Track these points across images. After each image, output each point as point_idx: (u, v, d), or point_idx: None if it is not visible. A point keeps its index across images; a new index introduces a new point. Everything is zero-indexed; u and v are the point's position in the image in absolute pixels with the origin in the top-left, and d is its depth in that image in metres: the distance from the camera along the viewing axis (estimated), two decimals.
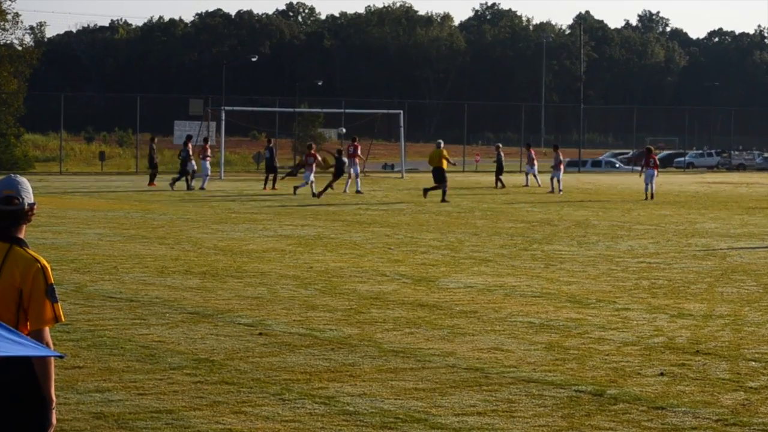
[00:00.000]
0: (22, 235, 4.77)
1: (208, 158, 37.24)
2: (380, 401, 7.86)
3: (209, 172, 37.32)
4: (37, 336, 4.67)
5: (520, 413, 7.59)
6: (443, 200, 30.12)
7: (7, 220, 4.72)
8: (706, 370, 9.01)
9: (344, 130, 38.29)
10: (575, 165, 62.42)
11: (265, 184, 37.15)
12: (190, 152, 36.59)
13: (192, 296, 12.67)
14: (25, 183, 4.80)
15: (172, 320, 11.08)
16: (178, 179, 36.17)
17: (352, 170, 35.22)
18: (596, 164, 65.36)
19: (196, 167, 36.79)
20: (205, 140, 38.32)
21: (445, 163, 31.09)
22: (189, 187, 35.63)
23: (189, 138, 38.01)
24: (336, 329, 10.68)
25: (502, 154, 42.06)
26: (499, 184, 39.44)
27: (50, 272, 4.74)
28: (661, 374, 8.84)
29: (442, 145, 32.63)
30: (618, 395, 8.11)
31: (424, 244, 19.05)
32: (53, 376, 4.70)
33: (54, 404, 4.72)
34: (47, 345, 4.69)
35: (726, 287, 14.02)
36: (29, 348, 3.95)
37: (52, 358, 4.68)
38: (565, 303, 12.52)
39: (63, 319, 4.81)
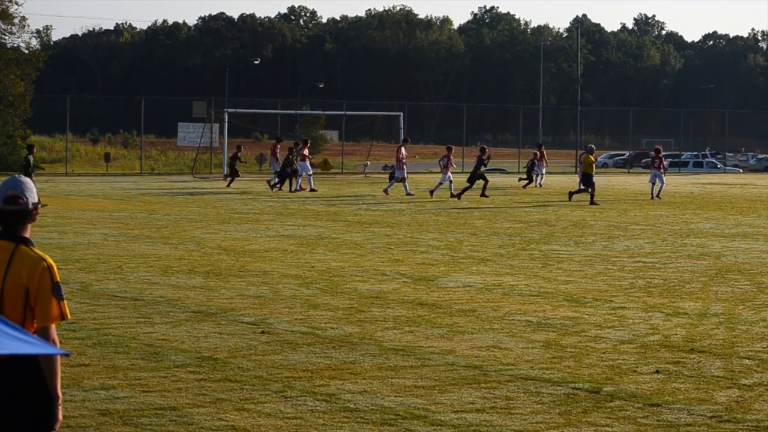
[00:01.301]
0: (27, 234, 4.83)
1: (307, 158, 37.46)
2: (380, 398, 7.96)
3: (310, 172, 37.41)
4: (44, 333, 4.73)
5: (518, 410, 7.68)
6: (592, 203, 30.29)
7: (11, 220, 4.78)
8: (701, 368, 9.12)
9: (409, 140, 37.91)
10: (677, 166, 61.78)
11: (290, 186, 36.99)
12: (293, 156, 36.95)
13: (195, 295, 12.79)
14: (29, 183, 4.87)
15: (176, 319, 11.20)
16: (282, 183, 36.36)
17: (398, 174, 34.84)
18: (698, 165, 64.90)
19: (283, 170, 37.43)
20: (305, 142, 38.45)
21: (593, 169, 31.50)
22: (291, 189, 35.86)
23: (297, 143, 38.36)
24: (337, 328, 10.80)
25: (536, 161, 42.02)
26: (528, 183, 39.29)
27: (56, 271, 4.81)
28: (657, 372, 8.94)
29: (594, 150, 32.81)
30: (614, 392, 8.21)
31: (424, 244, 19.16)
32: (59, 373, 4.75)
33: (60, 401, 4.76)
34: (53, 342, 4.75)
35: (720, 286, 14.14)
36: (36, 346, 4.00)
37: (58, 356, 4.74)
38: (563, 302, 12.64)
39: (69, 317, 4.87)
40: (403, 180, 34.49)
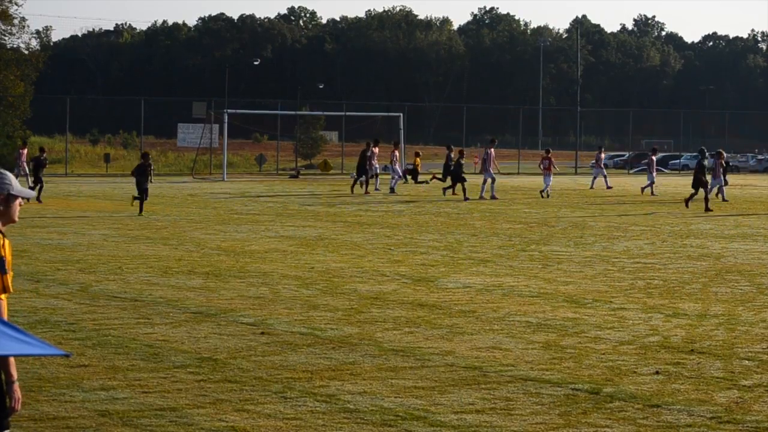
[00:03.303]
0: None
1: (396, 162, 37.52)
2: (380, 399, 7.96)
3: (399, 174, 37.42)
4: None
5: (517, 411, 7.68)
6: None
7: None
8: (701, 369, 9.12)
9: (496, 141, 37.44)
10: None
11: (366, 187, 36.48)
12: (370, 157, 36.95)
13: (195, 296, 12.80)
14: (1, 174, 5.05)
15: (176, 319, 11.21)
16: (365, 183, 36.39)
17: (485, 175, 34.21)
18: None
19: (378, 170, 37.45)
20: (395, 145, 38.60)
21: None
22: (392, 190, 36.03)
23: (395, 145, 38.42)
24: (337, 328, 10.81)
25: (725, 155, 38.79)
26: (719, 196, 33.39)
27: (1, 247, 4.98)
28: (657, 373, 8.94)
29: None
30: (614, 393, 8.22)
31: (424, 245, 19.17)
32: (11, 358, 4.86)
33: (14, 378, 4.90)
34: (1, 315, 4.91)
35: (720, 287, 14.14)
36: (35, 346, 4.04)
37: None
38: (562, 303, 12.65)
39: (11, 290, 5.05)
40: (487, 181, 33.83)
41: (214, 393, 8.07)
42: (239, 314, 11.55)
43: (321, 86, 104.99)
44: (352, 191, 35.96)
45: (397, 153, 37.75)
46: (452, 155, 37.76)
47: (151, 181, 26.65)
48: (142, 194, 25.53)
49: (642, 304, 12.57)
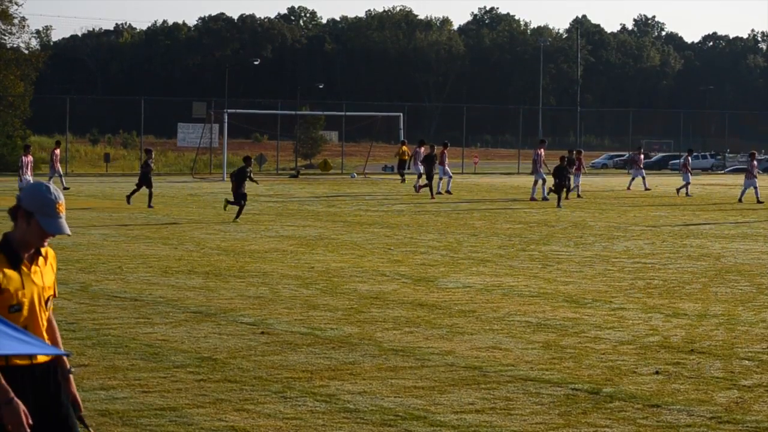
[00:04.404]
0: (11, 230, 4.87)
1: (446, 163, 36.91)
2: (380, 399, 7.97)
3: (449, 174, 36.80)
4: None
5: (517, 411, 7.69)
6: None
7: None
8: (701, 369, 9.12)
9: (546, 142, 36.97)
10: None
11: (418, 185, 35.70)
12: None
13: (195, 296, 12.81)
14: (28, 189, 4.89)
15: (176, 319, 11.21)
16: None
17: (536, 177, 33.89)
18: None
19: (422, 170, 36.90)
20: (445, 145, 38.35)
21: None
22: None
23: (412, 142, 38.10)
24: (337, 328, 10.82)
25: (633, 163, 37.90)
26: None
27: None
28: (656, 373, 8.95)
29: None
30: (614, 393, 8.22)
31: (424, 245, 19.18)
32: None
33: (10, 397, 4.44)
34: None
35: (720, 287, 14.15)
36: (35, 346, 4.04)
37: None
38: (562, 303, 12.65)
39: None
40: (544, 182, 33.45)
41: (214, 393, 8.08)
42: (239, 314, 11.55)
43: (321, 86, 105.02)
44: (432, 194, 33.83)
45: (446, 152, 37.23)
46: (422, 150, 37.73)
47: (256, 183, 26.06)
48: (240, 199, 24.11)
49: (642, 304, 12.57)
